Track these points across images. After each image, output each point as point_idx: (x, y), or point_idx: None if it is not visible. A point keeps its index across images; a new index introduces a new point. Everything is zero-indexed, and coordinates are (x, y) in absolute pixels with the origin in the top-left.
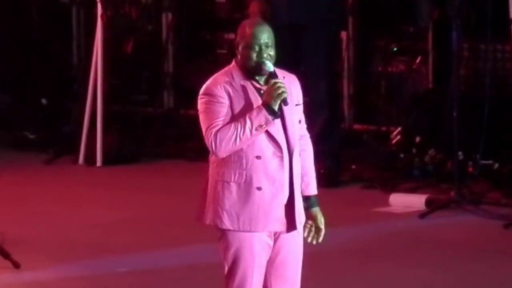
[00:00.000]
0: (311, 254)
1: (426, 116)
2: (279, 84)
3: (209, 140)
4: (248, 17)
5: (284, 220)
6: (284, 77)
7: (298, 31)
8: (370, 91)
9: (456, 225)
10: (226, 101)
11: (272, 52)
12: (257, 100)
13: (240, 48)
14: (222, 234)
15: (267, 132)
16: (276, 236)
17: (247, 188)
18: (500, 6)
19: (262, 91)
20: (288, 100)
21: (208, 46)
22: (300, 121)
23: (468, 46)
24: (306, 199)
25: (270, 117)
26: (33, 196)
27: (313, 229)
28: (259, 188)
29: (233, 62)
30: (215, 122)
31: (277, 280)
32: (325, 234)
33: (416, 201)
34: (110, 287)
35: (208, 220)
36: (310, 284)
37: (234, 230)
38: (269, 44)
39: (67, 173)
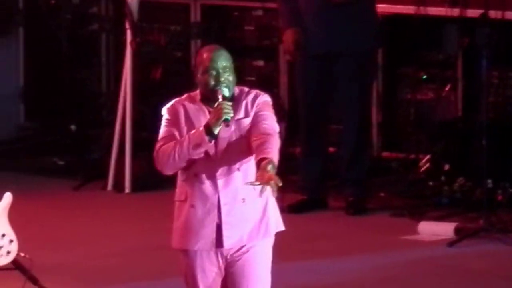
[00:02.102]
0: (335, 283)
1: (455, 144)
2: (223, 106)
3: (154, 156)
4: (280, 44)
5: (212, 241)
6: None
7: (333, 59)
8: (399, 119)
9: (485, 254)
10: (176, 122)
11: (230, 76)
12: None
13: (198, 74)
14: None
15: (205, 151)
16: (227, 257)
17: (184, 206)
18: None
19: None
20: (235, 115)
21: (237, 73)
22: (242, 136)
23: (497, 74)
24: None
25: (206, 138)
26: (62, 222)
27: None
28: (192, 206)
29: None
30: (161, 141)
31: None
32: (350, 262)
33: (444, 229)
34: None
35: None
36: None
37: (180, 249)
38: (227, 68)
39: (95, 200)
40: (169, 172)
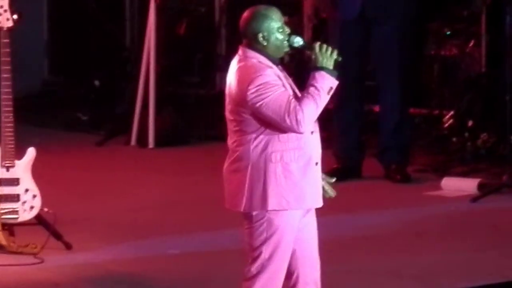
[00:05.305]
0: (361, 237)
1: (478, 100)
2: (325, 45)
3: (296, 118)
4: (305, 7)
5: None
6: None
7: (369, 24)
8: (423, 75)
9: (508, 209)
10: (281, 83)
11: None
12: (290, 83)
13: (267, 34)
14: (266, 218)
15: None
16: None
17: (307, 165)
18: None
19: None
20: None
21: None
22: None
23: None
24: None
25: (333, 78)
26: (84, 177)
27: None
28: (316, 163)
29: (250, 53)
30: (291, 101)
31: (303, 259)
32: (375, 217)
33: (468, 185)
34: (161, 269)
35: (266, 206)
36: (360, 265)
37: (285, 211)
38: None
39: (119, 155)
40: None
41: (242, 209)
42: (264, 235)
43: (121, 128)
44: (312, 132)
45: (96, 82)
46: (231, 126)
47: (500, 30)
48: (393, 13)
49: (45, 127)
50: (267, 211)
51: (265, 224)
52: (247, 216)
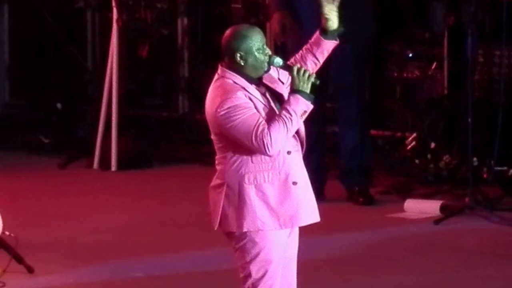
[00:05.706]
0: (325, 259)
1: (441, 122)
2: (303, 69)
3: (263, 141)
4: (268, 23)
5: (316, 211)
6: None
7: None
8: (385, 97)
9: (470, 231)
10: (252, 105)
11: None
12: (267, 103)
13: (244, 54)
14: (248, 238)
15: None
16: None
17: (283, 185)
18: None
19: (262, 94)
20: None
21: None
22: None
23: (483, 51)
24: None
25: (308, 102)
26: (47, 200)
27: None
28: (294, 183)
29: (226, 73)
30: (260, 124)
31: (282, 278)
32: (338, 239)
33: (430, 207)
34: None
35: (242, 227)
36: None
37: (268, 231)
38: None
39: (81, 177)
40: (275, 153)
41: (215, 228)
42: (250, 255)
43: (83, 151)
44: (289, 152)
45: (58, 105)
46: (214, 144)
47: (462, 52)
48: (349, 35)
49: (6, 150)
50: (260, 229)
51: (247, 245)
52: (231, 236)
